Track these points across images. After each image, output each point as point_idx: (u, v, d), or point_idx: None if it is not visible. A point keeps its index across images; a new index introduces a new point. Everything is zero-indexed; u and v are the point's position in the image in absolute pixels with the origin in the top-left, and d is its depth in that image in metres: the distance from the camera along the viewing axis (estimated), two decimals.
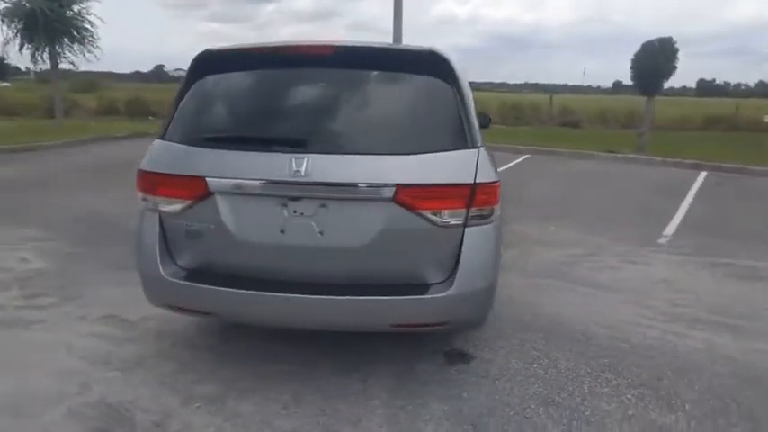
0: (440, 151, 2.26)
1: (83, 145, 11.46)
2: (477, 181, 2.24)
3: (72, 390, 2.48)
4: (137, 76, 61.63)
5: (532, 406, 2.40)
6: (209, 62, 2.45)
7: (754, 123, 18.02)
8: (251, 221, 2.27)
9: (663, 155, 10.30)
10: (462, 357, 2.80)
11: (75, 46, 13.58)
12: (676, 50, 10.69)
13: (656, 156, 10.28)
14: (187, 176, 2.26)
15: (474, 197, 2.24)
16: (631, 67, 10.99)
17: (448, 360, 2.78)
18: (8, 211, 5.66)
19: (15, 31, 13.08)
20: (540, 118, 19.01)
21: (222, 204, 2.25)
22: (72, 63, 13.94)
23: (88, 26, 13.67)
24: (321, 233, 2.23)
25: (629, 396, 2.49)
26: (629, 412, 2.37)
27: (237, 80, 2.48)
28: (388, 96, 2.45)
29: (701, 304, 3.57)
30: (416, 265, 2.31)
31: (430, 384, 2.55)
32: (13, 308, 3.36)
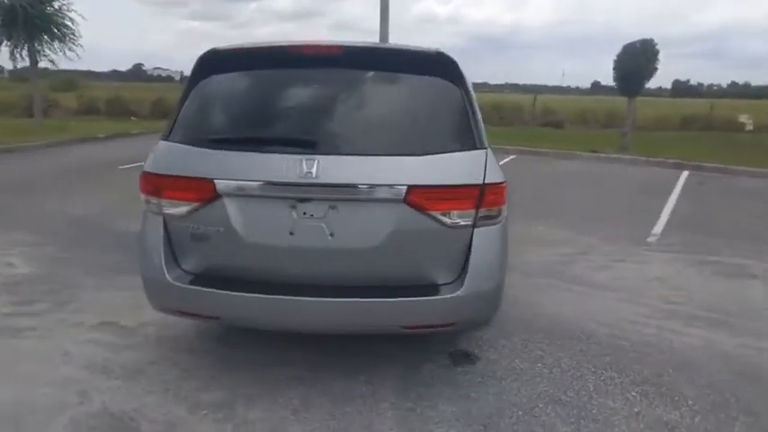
0: (449, 152, 2.26)
1: (65, 145, 11.19)
2: (486, 181, 2.25)
3: (72, 399, 2.41)
4: (114, 74, 60.42)
5: (540, 405, 2.42)
6: (215, 62, 2.40)
7: (729, 123, 18.55)
8: (260, 224, 2.23)
9: (646, 154, 10.52)
10: (467, 358, 2.82)
11: (56, 43, 13.23)
12: (657, 52, 10.93)
13: (640, 155, 10.49)
14: (194, 178, 2.22)
15: (483, 198, 2.26)
16: (614, 68, 11.19)
17: (453, 361, 2.78)
18: None
19: None
20: (522, 118, 19.21)
21: (230, 206, 2.22)
22: (52, 61, 13.59)
23: (69, 23, 13.34)
24: (331, 235, 2.21)
25: (633, 393, 2.54)
26: (635, 409, 2.41)
27: (244, 80, 2.44)
28: (396, 97, 2.44)
29: (694, 301, 3.65)
30: (426, 266, 2.31)
31: (437, 386, 2.56)
32: (1, 315, 3.25)
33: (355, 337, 2.84)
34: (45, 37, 12.99)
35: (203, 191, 2.20)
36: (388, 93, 2.46)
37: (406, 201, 2.17)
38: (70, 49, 13.49)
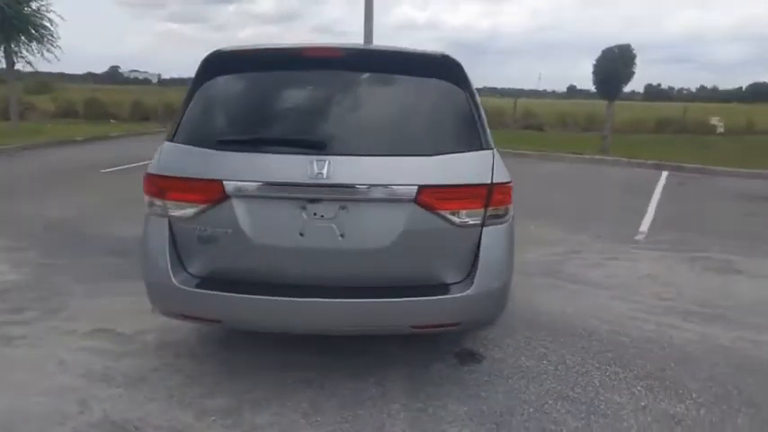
0: (457, 152, 2.27)
1: (42, 148, 10.90)
2: (494, 181, 2.27)
3: (72, 409, 2.32)
4: (90, 77, 58.98)
5: (549, 402, 2.44)
6: (219, 63, 2.38)
7: (701, 126, 19.17)
8: (269, 225, 2.20)
9: (627, 156, 10.77)
10: (473, 357, 2.82)
11: (34, 45, 12.82)
12: (634, 56, 11.24)
13: (621, 157, 10.73)
14: (202, 180, 2.17)
15: (491, 197, 2.27)
16: (593, 73, 11.46)
17: (460, 360, 2.78)
18: None
19: None
20: (503, 122, 19.46)
21: (239, 208, 2.18)
22: (29, 63, 13.16)
23: (48, 24, 12.95)
24: (342, 235, 2.19)
25: (638, 388, 2.57)
26: (642, 403, 2.45)
27: (251, 81, 2.41)
28: (404, 99, 2.45)
29: (687, 297, 3.74)
30: (436, 265, 2.31)
31: (446, 385, 2.55)
32: None
33: (357, 338, 2.81)
34: (22, 38, 12.58)
35: (211, 192, 2.16)
36: (395, 95, 2.46)
37: (416, 201, 2.17)
38: (48, 51, 13.12)
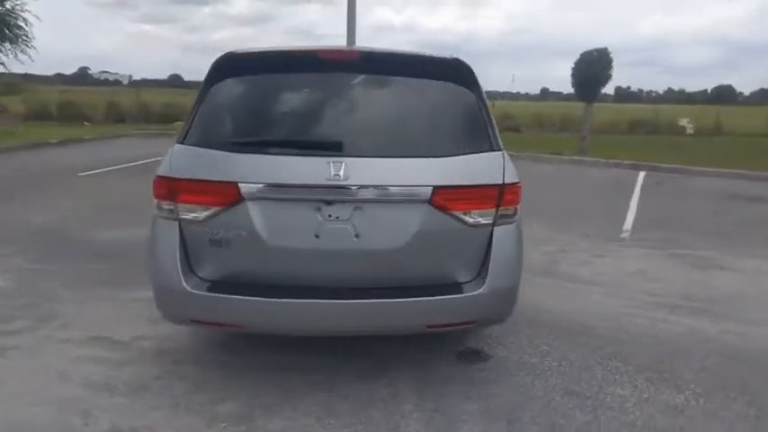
0: (469, 154, 2.32)
1: (16, 152, 10.54)
2: (505, 181, 2.32)
3: (76, 420, 2.26)
4: (59, 78, 57.04)
5: (556, 398, 2.50)
6: (231, 65, 2.38)
7: (671, 127, 19.84)
8: (284, 227, 2.20)
9: (605, 157, 11.06)
10: (479, 356, 2.86)
11: (7, 45, 12.37)
12: (611, 60, 11.59)
13: (600, 158, 11.02)
14: (217, 182, 2.15)
15: (502, 197, 2.32)
16: (572, 75, 11.77)
17: (466, 359, 2.82)
18: None
19: None
20: None
21: (254, 210, 2.16)
22: (2, 63, 12.70)
23: (22, 24, 12.52)
24: (357, 236, 2.21)
25: (639, 381, 2.66)
26: (644, 395, 2.53)
27: (264, 84, 2.40)
28: (417, 101, 2.48)
29: (675, 292, 3.87)
30: (449, 265, 2.34)
31: (455, 384, 2.58)
32: None
33: (360, 340, 2.82)
34: None
35: (226, 194, 2.14)
36: (408, 97, 2.49)
37: (431, 201, 2.20)
38: (22, 51, 12.68)
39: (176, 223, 2.24)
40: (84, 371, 2.64)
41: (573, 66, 11.63)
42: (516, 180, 2.39)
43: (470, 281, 2.34)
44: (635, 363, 2.83)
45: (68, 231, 5.08)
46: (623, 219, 6.19)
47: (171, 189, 2.22)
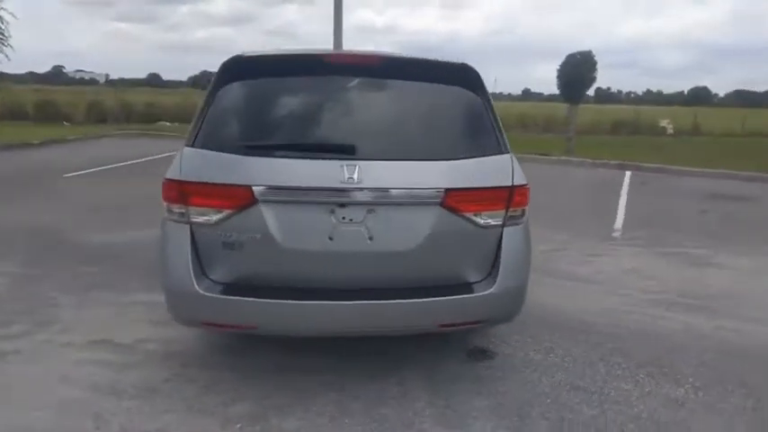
0: (479, 156, 2.36)
1: None
2: (514, 183, 2.37)
3: (87, 424, 2.23)
4: (31, 76, 55.59)
5: (563, 393, 2.55)
6: (239, 69, 2.38)
7: (652, 128, 20.30)
8: (298, 230, 2.21)
9: (590, 157, 11.26)
10: (485, 354, 2.91)
11: None
12: (595, 62, 11.84)
13: (586, 158, 11.21)
14: (230, 185, 2.15)
15: (511, 199, 2.37)
16: (557, 77, 11.98)
17: (473, 357, 2.87)
18: None
19: None
20: None
21: (267, 213, 2.17)
22: None
23: None
24: (370, 238, 2.23)
25: (641, 375, 2.73)
26: (647, 389, 2.60)
27: (275, 87, 2.41)
28: (427, 105, 2.52)
29: (670, 290, 3.97)
30: (460, 265, 2.38)
31: (464, 382, 2.62)
32: None
33: (367, 340, 2.84)
34: None
35: (239, 197, 2.14)
36: (418, 101, 2.53)
37: (443, 203, 2.24)
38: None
39: (188, 226, 2.23)
40: (90, 374, 2.61)
41: (558, 68, 11.86)
42: (524, 182, 2.44)
43: (481, 281, 2.38)
44: (635, 358, 2.91)
45: (59, 233, 4.99)
46: (613, 218, 6.32)
47: (182, 192, 2.21)
